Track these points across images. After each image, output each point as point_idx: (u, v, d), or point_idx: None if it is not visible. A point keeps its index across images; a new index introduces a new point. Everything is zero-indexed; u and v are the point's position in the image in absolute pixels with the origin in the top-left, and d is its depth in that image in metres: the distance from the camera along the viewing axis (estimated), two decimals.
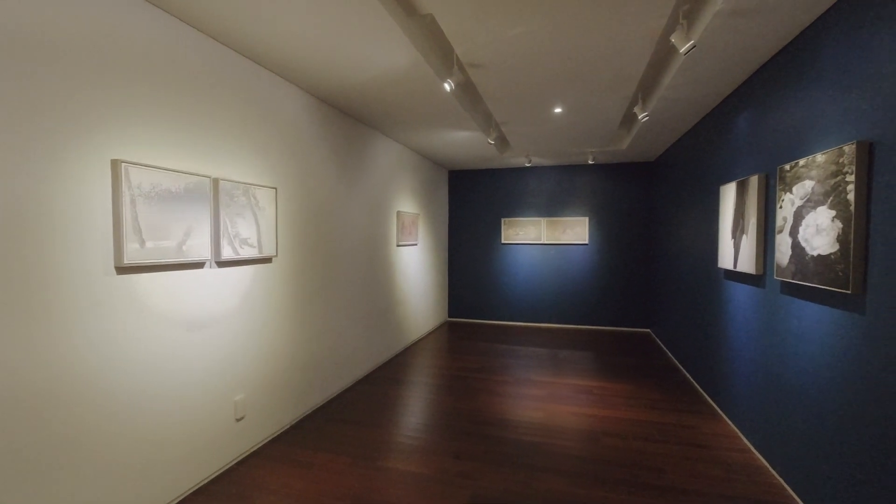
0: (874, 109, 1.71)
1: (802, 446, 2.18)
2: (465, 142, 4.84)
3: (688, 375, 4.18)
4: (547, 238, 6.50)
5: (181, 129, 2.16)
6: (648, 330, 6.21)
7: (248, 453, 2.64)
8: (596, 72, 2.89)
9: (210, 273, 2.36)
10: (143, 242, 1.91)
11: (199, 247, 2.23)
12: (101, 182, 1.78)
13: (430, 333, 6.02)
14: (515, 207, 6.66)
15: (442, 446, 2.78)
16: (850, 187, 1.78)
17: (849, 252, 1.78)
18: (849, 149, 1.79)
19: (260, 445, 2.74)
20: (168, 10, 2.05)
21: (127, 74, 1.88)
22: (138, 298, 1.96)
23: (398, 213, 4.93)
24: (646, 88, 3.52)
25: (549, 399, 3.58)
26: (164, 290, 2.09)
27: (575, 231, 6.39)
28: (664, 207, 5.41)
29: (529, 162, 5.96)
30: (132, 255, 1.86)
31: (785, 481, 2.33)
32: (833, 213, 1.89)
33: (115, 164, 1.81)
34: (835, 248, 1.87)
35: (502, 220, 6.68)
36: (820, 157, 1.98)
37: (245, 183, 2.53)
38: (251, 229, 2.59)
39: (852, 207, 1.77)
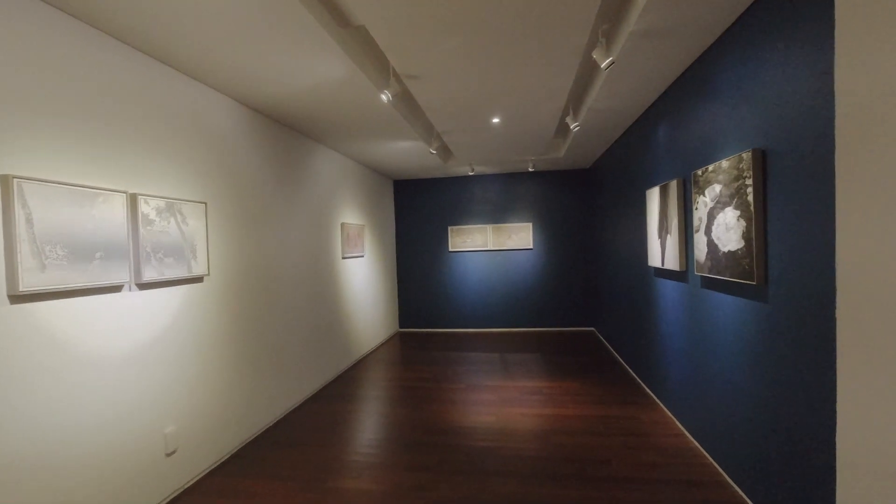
0: (764, 121, 1.93)
1: (725, 427, 2.37)
2: (408, 151, 4.85)
3: (628, 369, 4.43)
4: (493, 244, 6.64)
5: (91, 140, 1.97)
6: (592, 328, 6.51)
7: (181, 490, 2.42)
8: (528, 83, 3.02)
9: (130, 297, 2.16)
10: (43, 267, 1.71)
11: (116, 268, 2.03)
12: None
13: (381, 345, 5.91)
14: (462, 215, 6.75)
15: (395, 460, 2.72)
16: (750, 190, 1.99)
17: (752, 247, 1.98)
18: (746, 156, 2.00)
19: (196, 480, 2.53)
20: (71, 14, 1.87)
21: (21, 81, 1.69)
22: (40, 330, 1.74)
23: (342, 224, 4.82)
24: (576, 100, 3.73)
25: (501, 403, 3.63)
26: (74, 319, 1.87)
27: (520, 236, 6.59)
28: (601, 211, 5.74)
29: (473, 171, 6.08)
30: (30, 280, 1.66)
31: (714, 460, 2.53)
32: (738, 212, 2.10)
33: (6, 180, 1.60)
34: (741, 244, 2.08)
35: (449, 228, 6.74)
36: (725, 164, 2.20)
37: (169, 198, 2.35)
38: (177, 247, 2.41)
39: (752, 207, 1.97)
